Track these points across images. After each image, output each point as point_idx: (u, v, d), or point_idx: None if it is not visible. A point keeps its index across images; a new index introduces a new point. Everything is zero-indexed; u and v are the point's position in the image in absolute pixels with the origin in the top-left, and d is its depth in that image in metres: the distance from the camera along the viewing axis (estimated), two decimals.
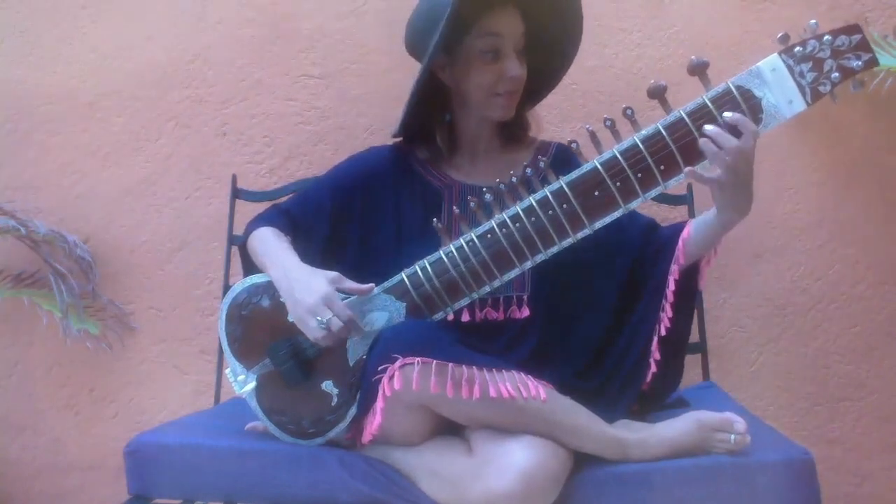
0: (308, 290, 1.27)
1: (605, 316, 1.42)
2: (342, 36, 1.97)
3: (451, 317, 1.34)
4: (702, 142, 1.17)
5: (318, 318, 1.25)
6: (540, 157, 1.29)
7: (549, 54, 1.49)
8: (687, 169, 1.19)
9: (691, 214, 1.83)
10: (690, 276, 1.36)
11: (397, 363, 1.18)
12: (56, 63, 2.01)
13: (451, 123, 1.50)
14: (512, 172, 1.28)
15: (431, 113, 1.48)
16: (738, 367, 1.95)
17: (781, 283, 1.94)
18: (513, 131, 1.53)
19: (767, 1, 1.91)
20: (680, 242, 1.33)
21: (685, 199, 1.83)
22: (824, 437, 1.94)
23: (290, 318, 1.33)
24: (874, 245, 1.92)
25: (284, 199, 1.80)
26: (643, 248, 1.41)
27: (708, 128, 1.17)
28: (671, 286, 1.33)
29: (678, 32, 1.94)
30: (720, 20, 1.92)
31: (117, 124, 2.01)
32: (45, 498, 2.05)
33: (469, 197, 1.32)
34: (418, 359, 1.17)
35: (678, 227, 1.36)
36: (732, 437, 1.23)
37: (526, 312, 1.41)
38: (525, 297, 1.42)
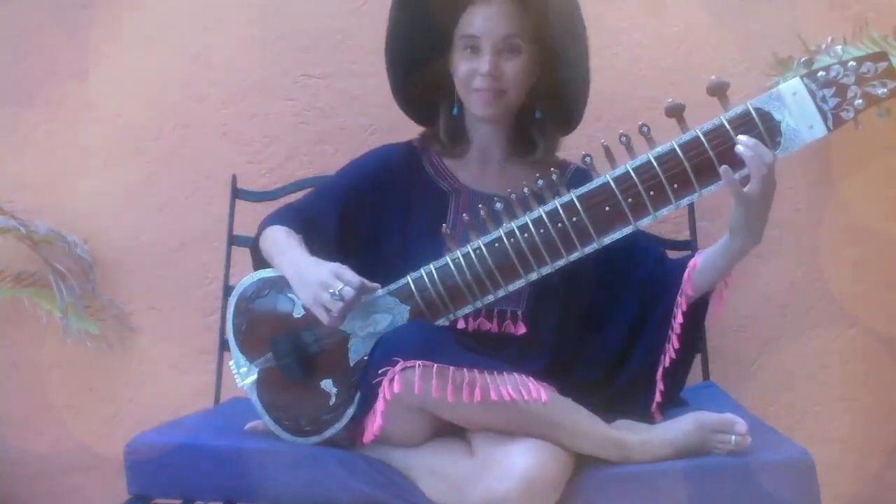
0: (317, 269, 1.29)
1: (614, 345, 1.41)
2: (342, 36, 1.97)
3: (446, 323, 1.34)
4: (743, 150, 1.14)
5: (331, 290, 1.24)
6: (553, 169, 1.28)
7: (553, 66, 1.47)
8: (724, 167, 1.16)
9: (691, 214, 1.83)
10: (699, 308, 1.35)
11: (398, 366, 1.18)
12: (57, 63, 2.01)
13: (461, 119, 1.51)
14: (524, 183, 1.27)
15: (438, 101, 1.51)
16: (738, 367, 1.95)
17: (781, 283, 1.94)
18: (520, 145, 1.52)
19: (767, 1, 1.91)
20: (686, 274, 1.32)
21: None
22: (824, 437, 1.94)
23: (296, 314, 1.34)
24: (874, 245, 1.92)
25: (284, 199, 1.81)
26: (648, 283, 1.40)
27: (743, 138, 1.15)
28: (678, 318, 1.32)
29: (679, 32, 1.94)
30: (721, 20, 1.92)
31: (117, 124, 2.01)
32: (45, 498, 2.05)
33: (479, 205, 1.30)
34: (419, 362, 1.17)
35: (685, 260, 1.36)
36: (733, 437, 1.23)
37: (522, 329, 1.40)
38: (520, 313, 1.40)
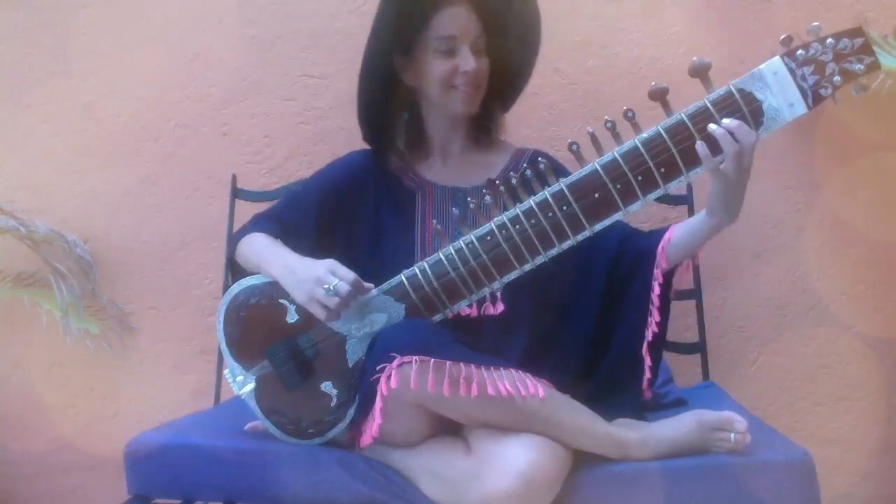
0: (311, 266, 1.29)
1: (588, 322, 1.42)
2: (342, 36, 1.98)
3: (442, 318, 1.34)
4: (714, 128, 1.17)
5: (326, 286, 1.25)
6: (541, 160, 1.29)
7: (509, 56, 1.51)
8: (699, 143, 1.18)
9: (691, 214, 1.83)
10: (668, 281, 1.37)
11: (395, 362, 1.18)
12: (56, 63, 2.01)
13: (418, 123, 1.53)
14: (511, 174, 1.28)
15: (394, 114, 1.51)
16: (738, 367, 1.95)
17: (781, 283, 1.94)
18: (483, 133, 1.55)
19: (767, 1, 1.91)
20: (660, 247, 1.33)
21: (685, 199, 1.83)
22: (824, 437, 1.94)
23: (289, 318, 1.34)
24: (874, 245, 1.92)
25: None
26: (619, 257, 1.41)
27: (727, 121, 1.17)
28: (656, 290, 1.33)
29: (678, 32, 1.94)
30: (720, 20, 1.92)
31: (117, 124, 2.01)
32: (45, 498, 2.05)
33: (469, 199, 1.31)
34: (416, 357, 1.17)
35: (659, 233, 1.37)
36: (733, 435, 1.23)
37: (500, 308, 1.40)
38: (498, 294, 1.40)
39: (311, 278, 1.27)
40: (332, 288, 1.25)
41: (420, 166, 1.53)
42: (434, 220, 1.39)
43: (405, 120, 1.52)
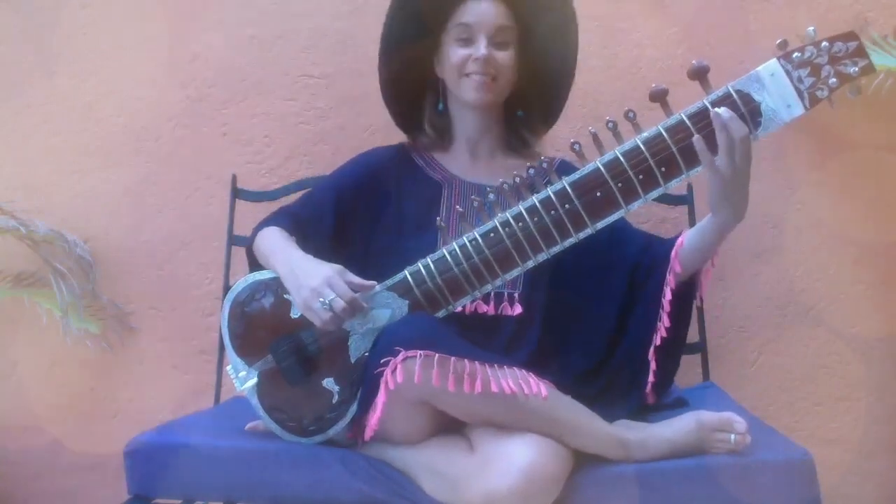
0: (312, 273, 1.29)
1: (603, 329, 1.43)
2: (342, 36, 1.98)
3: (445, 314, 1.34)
4: (712, 114, 1.17)
5: (321, 299, 1.25)
6: (543, 159, 1.29)
7: (542, 57, 1.53)
8: (696, 137, 1.18)
9: (691, 214, 1.84)
10: (689, 287, 1.36)
11: (400, 356, 1.18)
12: (56, 63, 2.01)
13: (446, 115, 1.57)
14: (515, 173, 1.29)
15: (423, 101, 1.58)
16: (738, 367, 1.95)
17: (781, 283, 1.94)
18: (517, 140, 1.58)
19: (767, 1, 1.91)
20: (673, 252, 1.33)
21: (685, 199, 1.83)
22: (824, 437, 1.94)
23: (293, 314, 1.34)
24: (874, 245, 1.92)
25: (284, 199, 1.81)
26: (638, 265, 1.42)
27: (721, 109, 1.17)
28: (667, 296, 1.33)
29: (678, 33, 1.94)
30: (720, 21, 1.92)
31: (117, 124, 2.01)
32: (45, 498, 2.05)
33: (472, 196, 1.33)
34: (420, 352, 1.17)
35: (673, 240, 1.37)
36: (733, 436, 1.23)
37: (518, 310, 1.42)
38: (516, 295, 1.43)
39: (308, 287, 1.28)
40: (327, 302, 1.25)
41: (447, 160, 1.56)
42: (438, 217, 1.40)
43: (437, 109, 1.57)
